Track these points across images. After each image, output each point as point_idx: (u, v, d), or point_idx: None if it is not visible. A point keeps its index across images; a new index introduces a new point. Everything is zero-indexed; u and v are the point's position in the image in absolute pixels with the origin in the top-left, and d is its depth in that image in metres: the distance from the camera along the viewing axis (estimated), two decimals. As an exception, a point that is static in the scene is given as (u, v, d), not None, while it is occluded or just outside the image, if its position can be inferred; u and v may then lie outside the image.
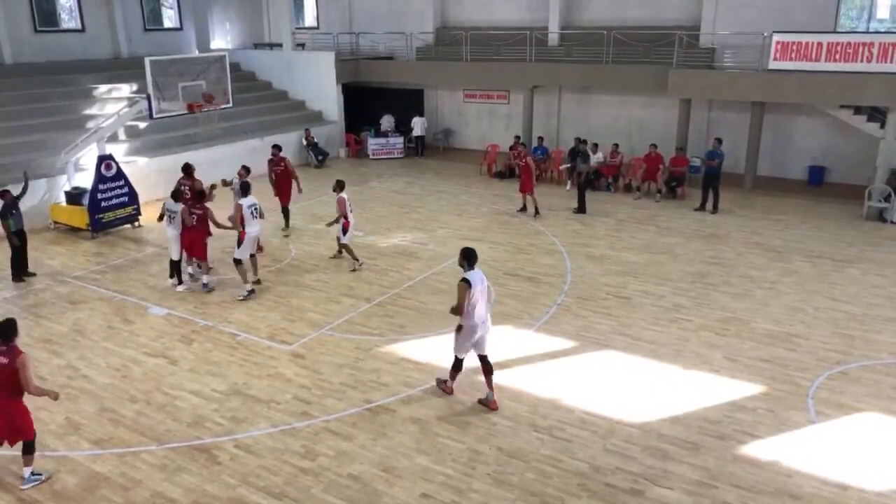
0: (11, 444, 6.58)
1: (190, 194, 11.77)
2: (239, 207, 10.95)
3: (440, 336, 9.65)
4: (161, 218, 11.58)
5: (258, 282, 11.47)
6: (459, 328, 7.70)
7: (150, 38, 23.02)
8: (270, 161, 14.40)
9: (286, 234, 14.34)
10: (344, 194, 11.95)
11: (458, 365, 8.01)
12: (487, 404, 7.87)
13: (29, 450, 6.62)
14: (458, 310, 7.50)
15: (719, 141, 15.98)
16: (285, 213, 14.61)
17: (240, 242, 11.01)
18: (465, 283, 7.43)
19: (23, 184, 12.58)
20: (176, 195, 11.37)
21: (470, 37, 21.76)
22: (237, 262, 11.06)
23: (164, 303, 10.92)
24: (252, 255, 11.39)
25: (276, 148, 14.64)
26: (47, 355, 9.26)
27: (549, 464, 6.88)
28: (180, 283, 11.56)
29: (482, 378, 7.90)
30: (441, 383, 8.22)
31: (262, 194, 13.04)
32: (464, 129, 24.16)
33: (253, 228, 11.09)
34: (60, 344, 9.57)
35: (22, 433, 6.53)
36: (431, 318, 10.26)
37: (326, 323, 10.15)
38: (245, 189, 11.34)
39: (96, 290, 11.49)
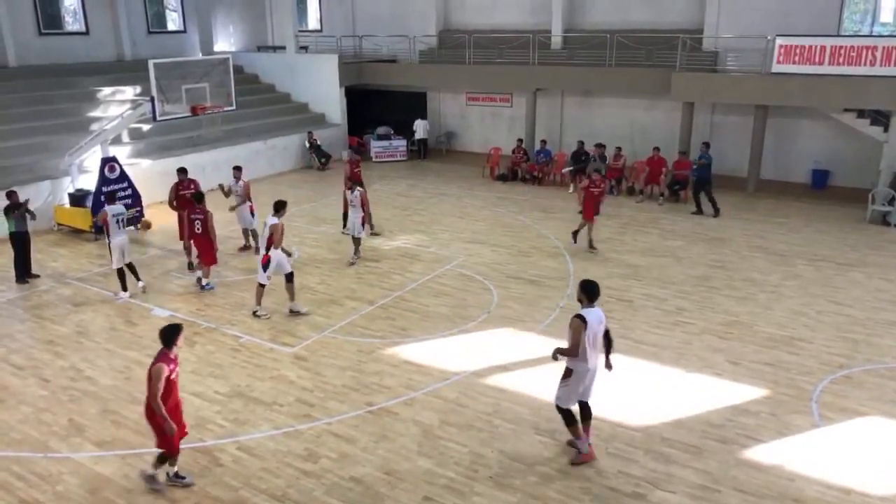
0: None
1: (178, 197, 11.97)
2: (279, 227, 10.02)
3: (442, 339, 9.67)
4: (101, 230, 10.59)
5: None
6: (568, 374, 6.72)
7: (154, 40, 23.08)
8: (351, 163, 14.71)
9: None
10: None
11: (569, 418, 6.85)
12: (579, 460, 6.87)
13: (159, 458, 6.54)
14: (570, 352, 6.57)
15: (707, 145, 16.44)
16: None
17: (266, 266, 10.13)
18: (581, 322, 6.44)
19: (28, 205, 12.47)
20: (111, 197, 11.25)
21: (473, 40, 21.78)
22: (261, 285, 10.29)
23: (167, 305, 10.93)
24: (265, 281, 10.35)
25: (357, 153, 16.51)
26: (51, 357, 9.27)
27: (552, 467, 6.86)
28: (125, 289, 11.12)
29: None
30: (576, 457, 6.89)
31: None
32: (466, 131, 24.16)
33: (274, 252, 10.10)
34: (64, 346, 9.58)
35: (155, 440, 6.43)
36: (434, 321, 10.26)
37: (329, 325, 10.15)
38: (279, 207, 10.23)
39: (99, 292, 11.50)
